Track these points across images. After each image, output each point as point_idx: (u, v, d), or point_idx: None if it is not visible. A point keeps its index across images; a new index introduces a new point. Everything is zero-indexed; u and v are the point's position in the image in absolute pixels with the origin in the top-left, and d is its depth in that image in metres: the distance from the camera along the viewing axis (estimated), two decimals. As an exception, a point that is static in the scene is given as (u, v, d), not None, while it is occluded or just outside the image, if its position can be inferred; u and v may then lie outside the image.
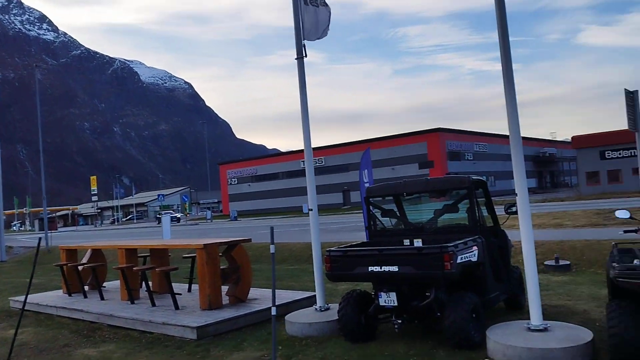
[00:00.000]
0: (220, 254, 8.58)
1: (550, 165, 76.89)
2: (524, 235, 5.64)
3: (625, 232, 5.82)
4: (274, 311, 4.72)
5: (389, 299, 6.04)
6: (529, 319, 5.65)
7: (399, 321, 6.11)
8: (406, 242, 7.05)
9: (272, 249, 5.12)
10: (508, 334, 5.46)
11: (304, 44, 7.38)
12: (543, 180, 74.90)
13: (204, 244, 8.01)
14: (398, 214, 7.77)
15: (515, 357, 5.10)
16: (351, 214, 40.94)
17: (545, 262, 10.96)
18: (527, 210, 5.68)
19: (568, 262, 10.86)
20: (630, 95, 18.28)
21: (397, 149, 59.60)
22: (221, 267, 8.40)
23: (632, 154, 36.89)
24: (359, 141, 62.79)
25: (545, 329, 5.48)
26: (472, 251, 6.09)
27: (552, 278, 9.89)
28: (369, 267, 6.00)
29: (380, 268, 5.91)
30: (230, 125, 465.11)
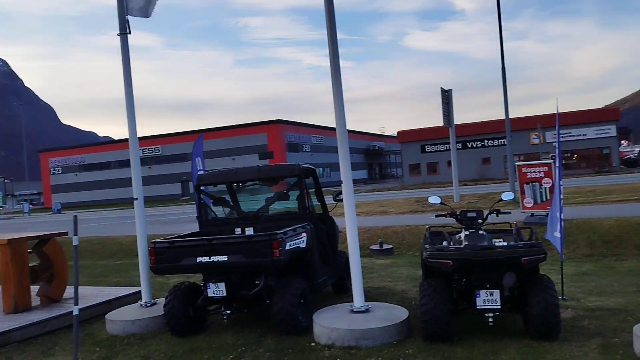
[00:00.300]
0: (30, 250, 7.62)
1: (379, 157, 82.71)
2: (348, 221, 5.86)
3: (436, 216, 6.34)
4: (76, 311, 4.26)
5: (217, 290, 5.88)
6: (353, 301, 5.89)
7: (228, 311, 5.99)
8: (238, 231, 6.93)
9: (75, 240, 4.62)
10: (332, 317, 5.63)
11: (128, 20, 6.82)
12: (373, 172, 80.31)
13: (8, 240, 7.03)
14: (231, 203, 7.62)
15: (339, 339, 5.27)
16: (190, 205, 39.75)
17: (371, 247, 11.67)
18: (351, 197, 5.89)
19: (391, 246, 11.68)
20: (445, 94, 20.34)
21: (237, 139, 59.31)
22: (31, 265, 7.47)
23: (447, 148, 41.24)
24: (199, 130, 61.11)
25: (366, 310, 5.76)
26: (301, 238, 6.18)
27: (376, 261, 10.54)
28: (198, 258, 5.76)
29: (209, 258, 5.72)
30: (55, 109, 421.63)
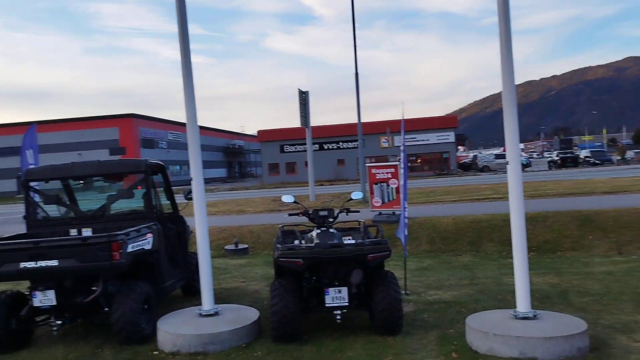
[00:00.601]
0: None
1: (239, 156, 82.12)
2: (198, 220, 5.59)
3: (289, 215, 6.30)
4: None
5: (45, 298, 5.25)
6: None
7: (59, 322, 5.37)
8: (74, 232, 6.27)
9: None
10: (179, 323, 5.32)
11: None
12: (232, 170, 79.53)
13: None
14: (66, 201, 6.88)
15: (185, 345, 4.98)
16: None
17: (226, 247, 11.40)
18: (201, 195, 5.63)
19: (246, 246, 11.51)
20: (302, 95, 20.70)
21: (85, 132, 55.00)
22: None
23: (305, 148, 42.20)
24: (42, 121, 55.39)
25: (216, 313, 5.53)
26: (146, 239, 5.76)
27: (230, 261, 10.30)
28: (21, 264, 5.08)
29: (36, 264, 5.07)
30: None
